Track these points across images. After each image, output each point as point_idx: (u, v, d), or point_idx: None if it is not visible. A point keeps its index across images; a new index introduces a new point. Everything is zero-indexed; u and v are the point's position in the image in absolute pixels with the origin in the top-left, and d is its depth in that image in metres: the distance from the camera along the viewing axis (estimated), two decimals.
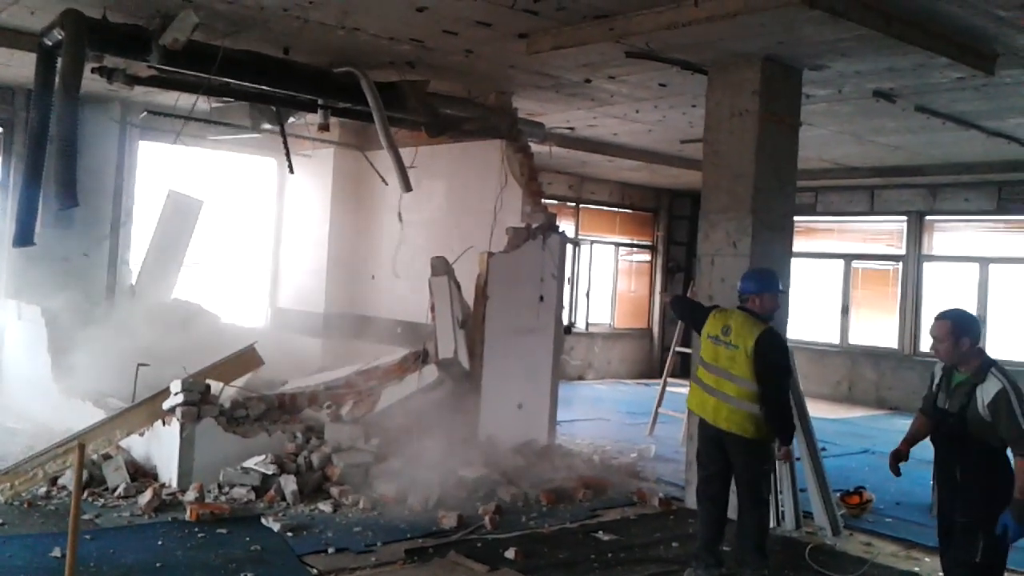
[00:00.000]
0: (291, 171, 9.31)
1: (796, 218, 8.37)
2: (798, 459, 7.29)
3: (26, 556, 5.56)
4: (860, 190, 15.00)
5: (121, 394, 8.31)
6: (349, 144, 11.91)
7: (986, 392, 4.55)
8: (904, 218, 14.78)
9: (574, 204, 16.30)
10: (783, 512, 7.08)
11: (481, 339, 8.68)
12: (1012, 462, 4.52)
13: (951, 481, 4.77)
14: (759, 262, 7.36)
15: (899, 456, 5.07)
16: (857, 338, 15.24)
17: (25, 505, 6.59)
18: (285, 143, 8.97)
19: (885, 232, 15.28)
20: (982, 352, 4.75)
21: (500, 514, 6.99)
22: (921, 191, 14.40)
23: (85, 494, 6.66)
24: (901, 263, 14.78)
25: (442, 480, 7.44)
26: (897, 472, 5.05)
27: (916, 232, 14.64)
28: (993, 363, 4.67)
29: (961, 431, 4.66)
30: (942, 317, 4.79)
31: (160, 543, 5.98)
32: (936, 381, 4.91)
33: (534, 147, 10.11)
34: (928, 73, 7.64)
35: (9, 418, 9.49)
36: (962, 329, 4.70)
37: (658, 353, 17.35)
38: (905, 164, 12.82)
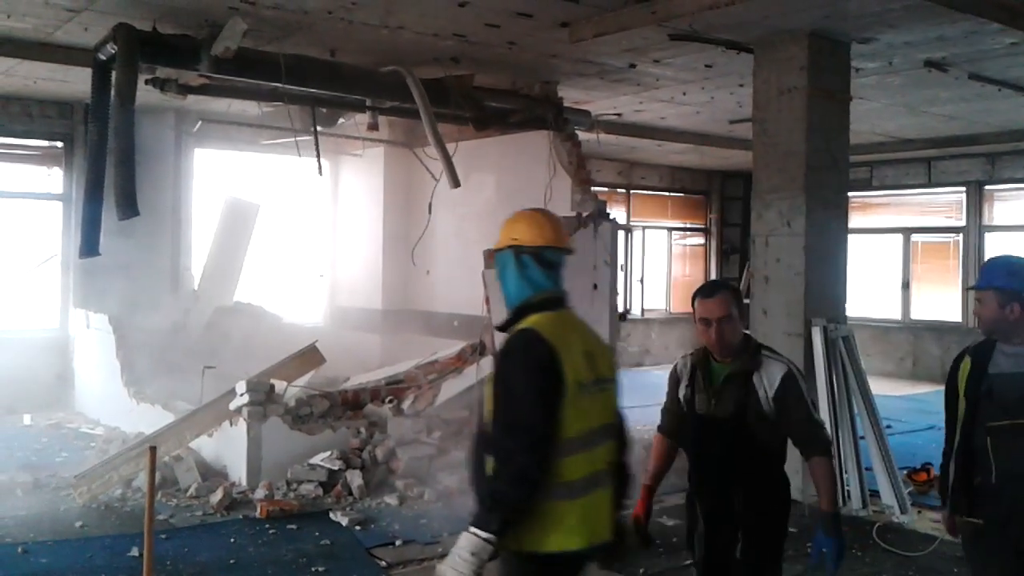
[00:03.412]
0: (320, 173, 9.42)
1: (851, 194, 8.28)
2: (862, 438, 7.22)
3: (106, 556, 5.76)
4: (916, 162, 14.71)
5: (189, 397, 8.51)
6: (399, 142, 12.01)
7: (768, 378, 3.51)
8: (963, 189, 14.46)
9: (624, 190, 16.23)
10: (849, 491, 7.01)
11: None
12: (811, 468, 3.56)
13: (726, 512, 3.59)
14: (815, 241, 7.30)
15: (640, 516, 3.78)
16: (919, 313, 14.96)
17: (102, 507, 6.81)
18: (316, 145, 9.07)
19: (944, 204, 14.96)
20: (747, 334, 3.71)
21: None
22: (979, 160, 14.08)
23: (159, 495, 6.84)
24: (962, 235, 14.46)
25: None
26: (646, 543, 3.81)
27: (976, 202, 14.32)
28: (761, 345, 3.68)
29: (741, 441, 3.53)
30: (718, 290, 3.64)
31: (232, 540, 6.13)
32: (685, 382, 3.72)
33: (581, 135, 10.11)
34: (980, 40, 7.47)
35: (83, 423, 9.78)
36: (738, 303, 3.63)
37: None
38: (961, 133, 12.56)
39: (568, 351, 2.95)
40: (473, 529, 2.79)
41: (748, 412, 3.49)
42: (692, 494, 3.77)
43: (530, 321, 3.01)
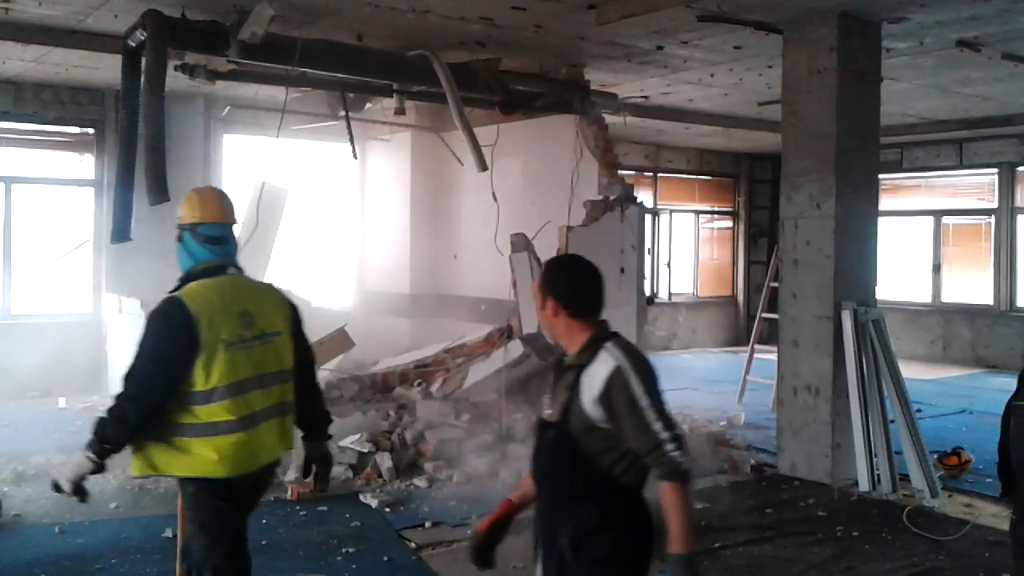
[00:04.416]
0: (355, 157, 9.43)
1: (881, 176, 8.20)
2: (892, 421, 7.18)
3: (140, 537, 5.85)
4: (947, 143, 14.54)
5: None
6: (425, 127, 12.03)
7: (594, 378, 2.75)
8: (995, 170, 14.28)
9: (651, 174, 16.16)
10: (878, 475, 6.99)
11: None
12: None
13: (554, 548, 2.83)
14: (844, 223, 7.26)
15: (480, 531, 3.11)
16: (950, 296, 14.82)
17: (136, 488, 6.90)
18: (349, 129, 9.10)
19: (975, 186, 14.78)
20: (600, 325, 2.90)
21: None
22: (1012, 141, 13.89)
23: None
24: (993, 217, 14.30)
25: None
26: (484, 563, 3.09)
27: (1008, 184, 14.14)
28: (612, 336, 2.86)
29: (563, 453, 2.81)
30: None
31: (264, 521, 6.19)
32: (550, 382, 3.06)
33: (608, 118, 10.07)
34: (1013, 18, 7.36)
35: None
36: (547, 284, 2.92)
37: (744, 320, 17.16)
38: (994, 114, 12.38)
39: (212, 314, 3.45)
40: (82, 450, 3.42)
41: (572, 417, 2.77)
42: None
43: (184, 290, 3.52)
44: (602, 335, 2.86)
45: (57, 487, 3.50)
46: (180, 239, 3.70)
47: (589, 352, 2.81)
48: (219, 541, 3.53)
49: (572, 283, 2.92)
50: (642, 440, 2.69)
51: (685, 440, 2.73)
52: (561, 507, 2.83)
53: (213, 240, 3.66)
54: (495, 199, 8.80)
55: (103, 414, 3.42)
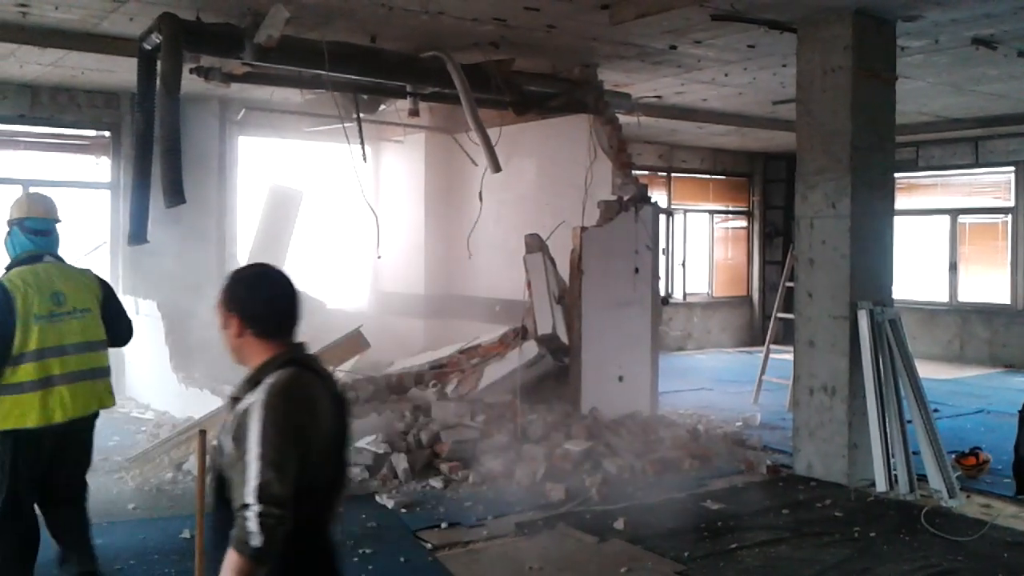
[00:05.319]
0: (364, 160, 9.46)
1: (897, 174, 8.18)
2: (909, 421, 7.15)
3: (158, 538, 5.87)
4: (963, 142, 14.46)
5: (236, 381, 8.57)
6: (439, 128, 12.04)
7: (238, 411, 2.43)
8: (1011, 168, 14.18)
9: (665, 173, 16.13)
10: (896, 475, 6.95)
11: (578, 314, 8.72)
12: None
13: None
14: (860, 223, 7.22)
15: None
16: (967, 295, 14.73)
17: (154, 490, 6.94)
18: (360, 132, 9.11)
19: (992, 184, 14.69)
20: (290, 349, 2.55)
21: (607, 485, 7.05)
22: None
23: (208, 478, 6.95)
24: (1010, 215, 14.20)
25: (547, 453, 7.54)
26: None
27: None
28: (286, 364, 2.48)
29: (213, 492, 2.51)
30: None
31: None
32: None
33: (622, 118, 10.06)
34: None
35: (134, 408, 9.97)
36: (229, 299, 2.57)
37: (759, 320, 17.10)
38: (1010, 112, 12.30)
39: (27, 293, 4.23)
40: None
41: (224, 458, 2.42)
42: None
43: (6, 275, 4.29)
44: (276, 362, 2.46)
45: None
46: (9, 233, 4.41)
47: (251, 383, 2.44)
48: (6, 483, 4.32)
49: (259, 298, 2.54)
50: (236, 493, 2.28)
51: (281, 519, 2.24)
52: (215, 553, 2.39)
53: (36, 232, 4.40)
54: (480, 200, 8.81)
55: None
